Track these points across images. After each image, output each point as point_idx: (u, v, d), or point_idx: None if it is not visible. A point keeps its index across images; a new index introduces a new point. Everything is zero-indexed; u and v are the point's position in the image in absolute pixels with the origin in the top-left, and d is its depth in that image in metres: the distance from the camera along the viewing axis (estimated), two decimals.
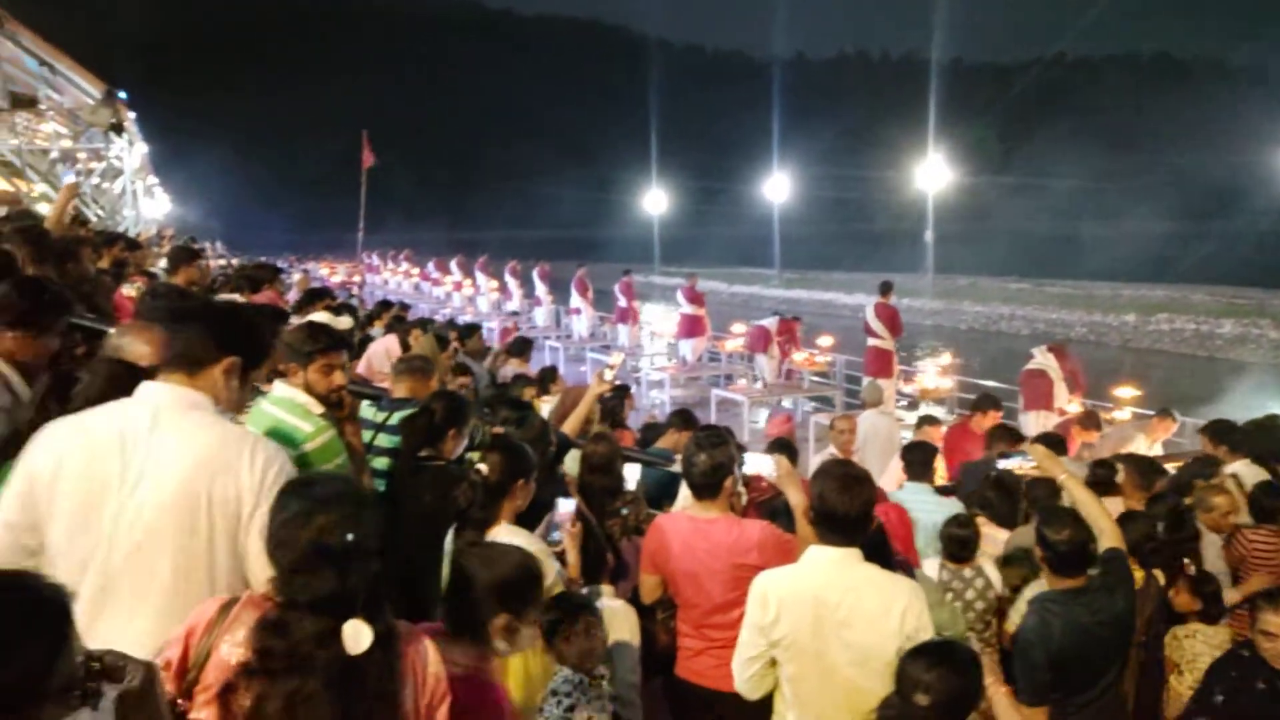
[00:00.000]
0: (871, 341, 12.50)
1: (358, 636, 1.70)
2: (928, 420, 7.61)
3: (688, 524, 3.37)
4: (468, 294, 24.45)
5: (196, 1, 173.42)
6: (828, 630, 2.69)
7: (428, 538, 3.14)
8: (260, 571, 2.00)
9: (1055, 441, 6.19)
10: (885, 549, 3.30)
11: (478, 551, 2.43)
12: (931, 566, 4.30)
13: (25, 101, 16.49)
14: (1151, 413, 8.59)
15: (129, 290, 5.98)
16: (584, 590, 3.42)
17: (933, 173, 33.71)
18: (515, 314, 21.89)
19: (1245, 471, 5.39)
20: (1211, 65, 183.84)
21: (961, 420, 8.10)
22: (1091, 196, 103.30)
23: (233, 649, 1.75)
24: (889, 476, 6.90)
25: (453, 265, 26.01)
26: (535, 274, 21.60)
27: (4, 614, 1.32)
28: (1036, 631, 3.13)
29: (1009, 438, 6.24)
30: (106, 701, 1.44)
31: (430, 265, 28.24)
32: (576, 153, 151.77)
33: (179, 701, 1.77)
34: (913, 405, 13.00)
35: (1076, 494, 3.34)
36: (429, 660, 1.89)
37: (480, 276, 24.13)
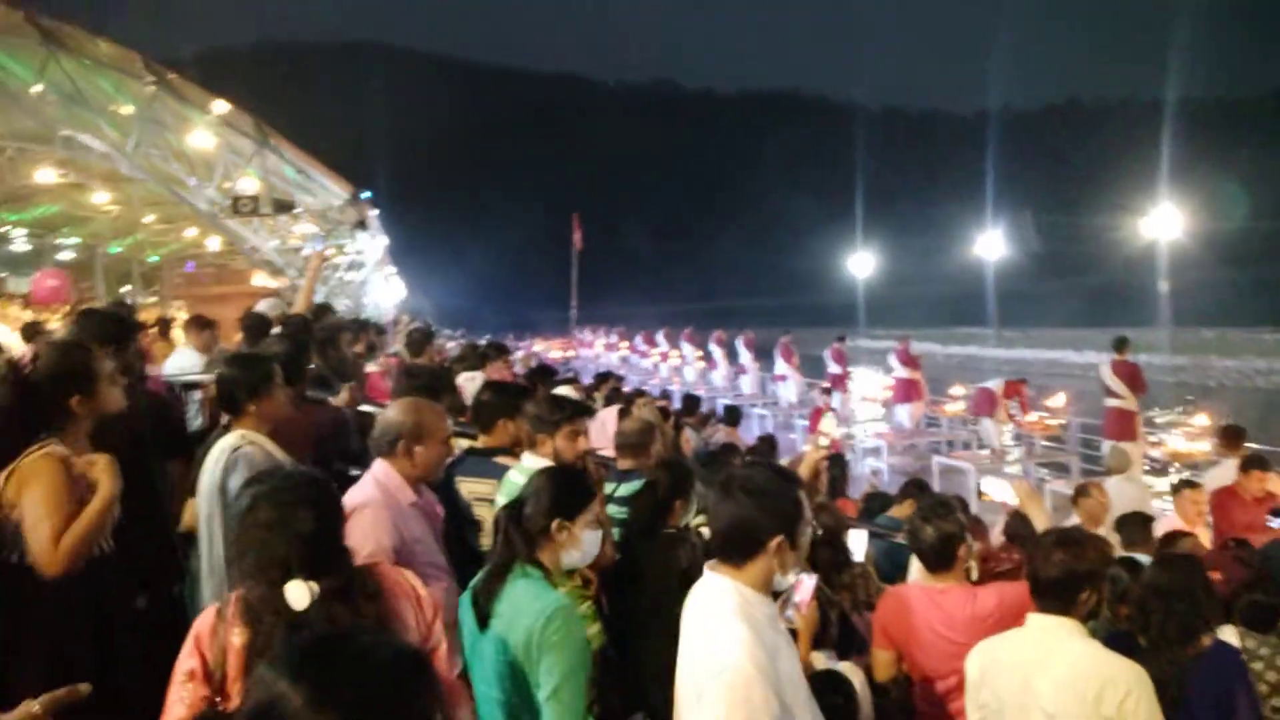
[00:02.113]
0: (1111, 402, 11.58)
1: (297, 594, 1.92)
2: (1187, 484, 6.88)
3: (922, 595, 3.28)
4: (674, 364, 24.87)
5: (435, 107, 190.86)
6: (1030, 701, 2.59)
7: (660, 603, 3.17)
8: None
9: None
10: None
11: None
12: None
13: (284, 206, 18.61)
14: None
15: (373, 367, 6.53)
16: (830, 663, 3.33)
17: (1162, 220, 31.19)
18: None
19: None
20: None
21: (1228, 486, 7.28)
22: None
23: (236, 634, 2.01)
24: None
25: (659, 337, 26.62)
26: (740, 342, 21.67)
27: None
28: None
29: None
30: None
31: (639, 338, 29.05)
32: (780, 222, 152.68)
33: (216, 700, 1.99)
34: (1159, 471, 11.86)
35: None
36: (415, 584, 2.22)
37: (686, 347, 24.51)
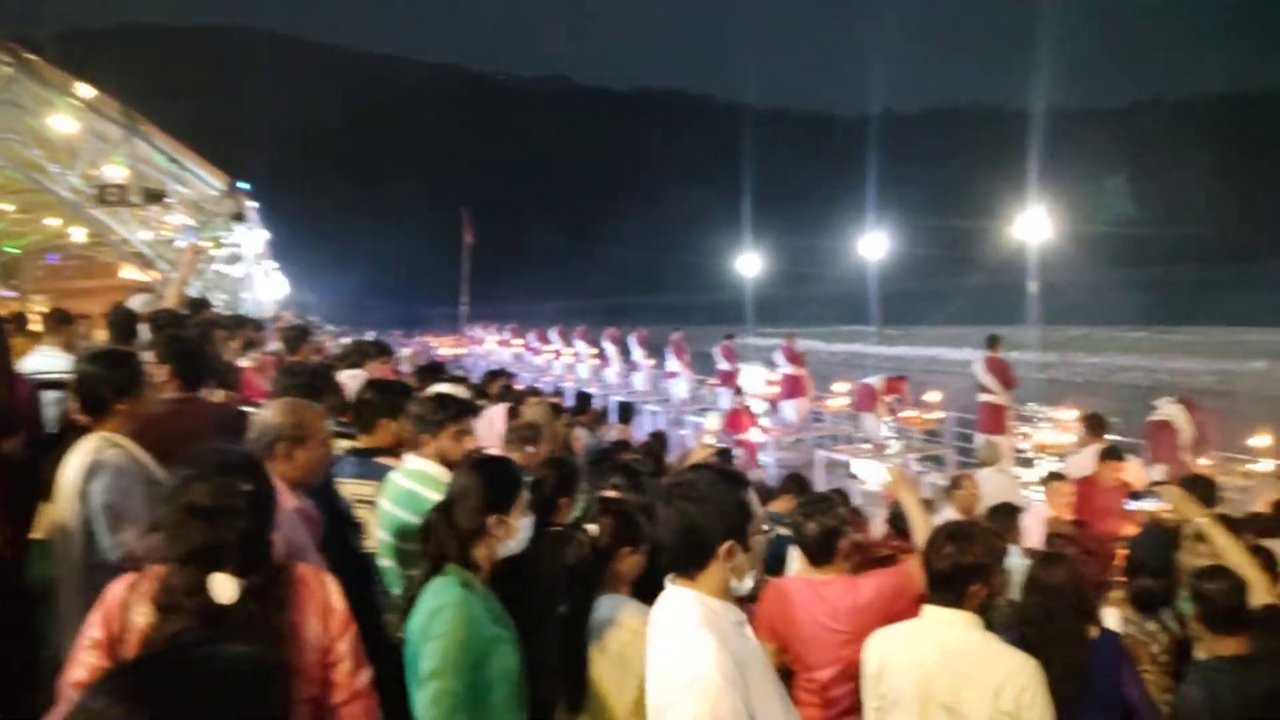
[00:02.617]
0: (983, 397, 12.12)
1: (222, 587, 1.90)
2: (1056, 476, 7.26)
3: (805, 587, 3.35)
4: (567, 362, 24.83)
5: (316, 97, 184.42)
6: (929, 694, 2.64)
7: (549, 602, 3.15)
8: None
9: (1204, 485, 5.89)
10: None
11: None
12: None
13: (155, 196, 17.73)
14: None
15: (245, 362, 6.27)
16: None
17: (1033, 222, 32.85)
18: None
19: None
20: None
21: (1088, 476, 7.72)
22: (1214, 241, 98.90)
23: (142, 614, 1.98)
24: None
25: (553, 334, 26.55)
26: (633, 339, 21.80)
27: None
28: (1205, 704, 2.87)
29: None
30: None
31: (531, 336, 28.88)
32: (670, 220, 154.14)
33: None
34: (1027, 463, 12.48)
35: (1218, 540, 3.11)
36: (331, 596, 2.14)
37: (580, 344, 24.52)
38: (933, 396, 13.74)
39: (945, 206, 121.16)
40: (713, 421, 4.98)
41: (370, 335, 20.97)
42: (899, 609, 3.07)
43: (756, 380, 19.27)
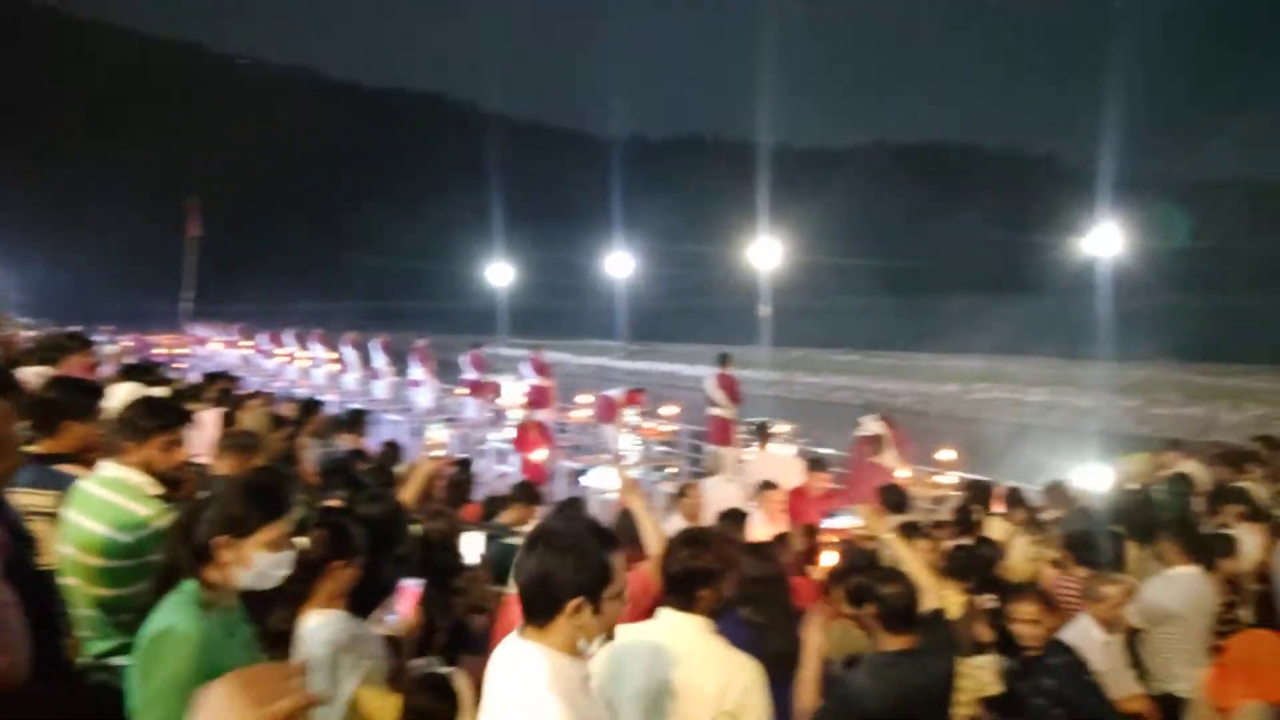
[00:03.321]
0: (713, 411, 12.82)
1: None
2: (768, 485, 7.80)
3: None
4: (302, 366, 23.50)
5: (41, 68, 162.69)
6: (659, 693, 2.71)
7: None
8: None
9: (897, 495, 6.56)
10: None
11: None
12: None
13: None
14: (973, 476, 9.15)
15: None
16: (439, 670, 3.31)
17: (764, 250, 35.27)
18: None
19: None
20: (1014, 154, 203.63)
21: (798, 485, 8.37)
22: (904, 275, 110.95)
23: None
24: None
25: (287, 337, 25.01)
26: (375, 345, 21.03)
27: None
28: (872, 692, 3.22)
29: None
30: None
31: (263, 337, 27.03)
32: (424, 225, 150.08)
33: None
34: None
35: (899, 551, 3.50)
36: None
37: (317, 348, 23.30)
38: (669, 410, 14.36)
39: (690, 231, 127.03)
40: (438, 433, 4.86)
41: (74, 329, 18.76)
42: (639, 613, 3.16)
43: (514, 392, 19.29)
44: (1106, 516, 6.94)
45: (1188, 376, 28.71)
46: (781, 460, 8.21)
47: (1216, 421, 22.21)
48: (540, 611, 2.13)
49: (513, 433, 15.69)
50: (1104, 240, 27.35)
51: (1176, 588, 5.01)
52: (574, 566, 2.10)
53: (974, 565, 5.04)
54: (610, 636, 2.23)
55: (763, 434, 10.29)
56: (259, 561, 2.43)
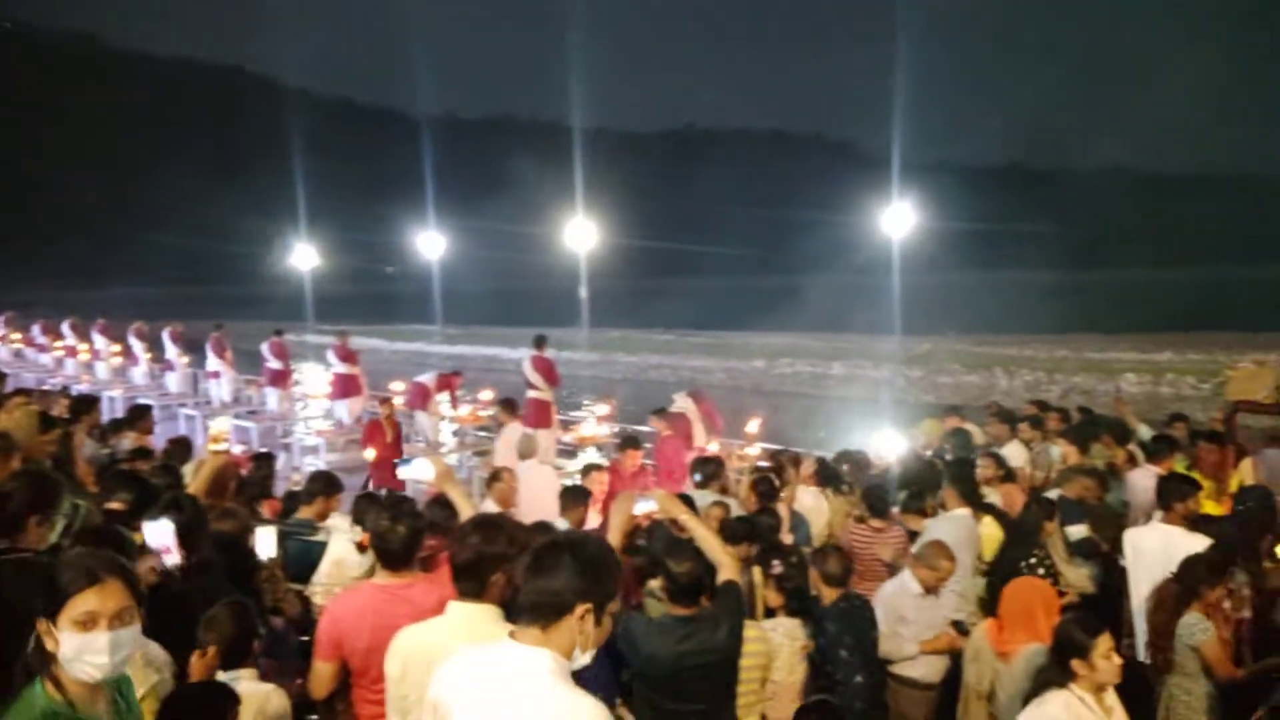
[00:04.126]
0: (530, 394, 12.76)
1: None
2: (594, 467, 7.84)
3: (380, 594, 3.23)
4: (84, 360, 21.51)
5: None
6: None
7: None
8: None
9: (711, 466, 6.77)
10: None
11: None
12: None
13: None
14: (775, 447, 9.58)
15: None
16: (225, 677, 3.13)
17: (581, 233, 35.38)
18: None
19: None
20: (815, 139, 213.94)
21: (612, 464, 8.48)
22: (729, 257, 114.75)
23: None
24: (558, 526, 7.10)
25: (64, 328, 22.79)
26: (165, 335, 19.52)
27: None
28: (626, 641, 3.41)
29: None
30: None
31: (36, 329, 24.52)
32: (222, 207, 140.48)
33: None
34: (572, 454, 13.36)
35: (696, 531, 3.59)
36: None
37: (99, 339, 21.39)
38: (486, 394, 14.19)
39: (508, 212, 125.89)
40: (221, 424, 4.59)
41: None
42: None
43: (314, 380, 18.43)
44: (900, 476, 7.46)
45: (966, 347, 31.24)
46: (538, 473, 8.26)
47: (994, 388, 24.29)
48: (550, 613, 2.17)
49: (325, 424, 15.13)
50: (896, 221, 29.15)
51: (948, 526, 5.50)
52: (592, 576, 2.20)
53: (754, 533, 5.29)
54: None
55: (507, 408, 10.46)
56: (66, 641, 2.16)
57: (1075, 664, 3.36)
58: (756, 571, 4.82)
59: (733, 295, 65.30)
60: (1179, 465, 6.85)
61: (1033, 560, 5.33)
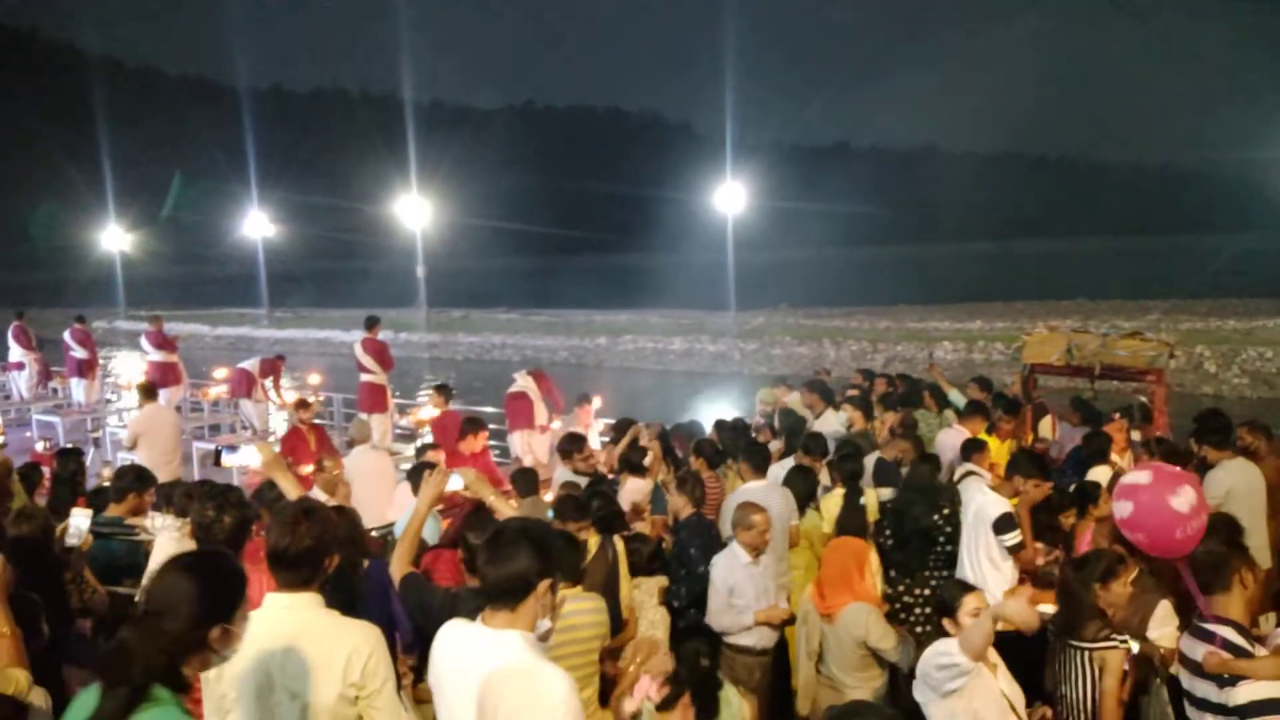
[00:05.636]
0: (364, 377, 12.43)
1: None
2: (430, 447, 7.72)
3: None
4: None
5: None
6: (275, 682, 2.58)
7: None
8: None
9: (571, 443, 6.85)
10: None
11: None
12: None
13: None
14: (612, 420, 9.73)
15: None
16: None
17: (416, 210, 34.50)
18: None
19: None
20: (654, 119, 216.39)
21: (450, 446, 8.40)
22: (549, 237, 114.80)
23: None
24: (395, 508, 6.98)
25: None
26: None
27: None
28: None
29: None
30: None
31: None
32: (9, 185, 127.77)
33: None
34: (410, 437, 13.12)
35: (505, 513, 3.62)
36: None
37: None
38: (314, 379, 13.72)
39: (339, 189, 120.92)
40: None
41: None
42: None
43: (129, 368, 17.23)
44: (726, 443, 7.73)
45: (797, 320, 32.56)
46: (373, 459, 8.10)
47: (823, 357, 25.45)
48: (518, 594, 2.40)
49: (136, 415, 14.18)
50: (730, 199, 29.96)
51: (754, 495, 5.86)
52: (547, 555, 2.44)
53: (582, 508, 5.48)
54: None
55: (441, 392, 10.11)
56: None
57: (946, 622, 3.70)
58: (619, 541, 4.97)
59: (576, 274, 65.40)
60: (982, 432, 7.45)
61: None
